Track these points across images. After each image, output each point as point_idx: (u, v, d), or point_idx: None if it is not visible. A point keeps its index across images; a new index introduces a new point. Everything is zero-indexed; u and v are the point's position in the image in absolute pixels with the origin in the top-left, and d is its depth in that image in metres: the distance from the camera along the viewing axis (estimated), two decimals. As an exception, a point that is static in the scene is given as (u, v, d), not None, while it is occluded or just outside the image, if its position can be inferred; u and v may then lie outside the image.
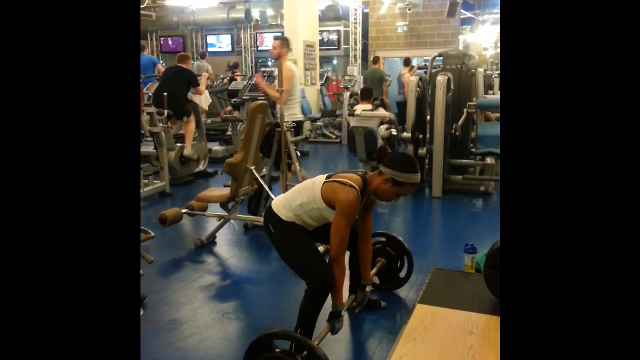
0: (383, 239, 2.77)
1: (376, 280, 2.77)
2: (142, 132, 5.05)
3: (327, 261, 2.04)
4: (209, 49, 13.47)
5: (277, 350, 1.82)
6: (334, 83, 10.96)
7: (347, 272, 2.49)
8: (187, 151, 5.49)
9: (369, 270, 2.36)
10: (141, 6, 12.13)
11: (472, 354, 2.04)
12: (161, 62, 13.70)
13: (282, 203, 2.13)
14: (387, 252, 2.74)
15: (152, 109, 5.05)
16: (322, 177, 2.09)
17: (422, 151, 5.04)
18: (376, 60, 9.01)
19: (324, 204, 2.02)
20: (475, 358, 2.01)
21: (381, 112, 5.31)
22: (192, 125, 5.61)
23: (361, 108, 5.24)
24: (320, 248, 2.27)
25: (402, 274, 2.78)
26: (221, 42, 14.00)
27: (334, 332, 2.09)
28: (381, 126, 5.16)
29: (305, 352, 1.80)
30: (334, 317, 2.06)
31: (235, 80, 8.04)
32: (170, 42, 13.82)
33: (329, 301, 2.07)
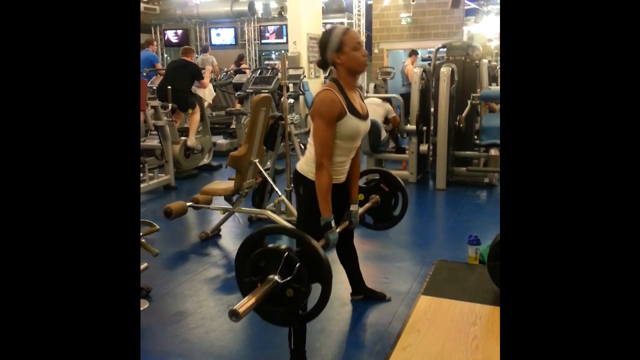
0: (377, 176, 2.68)
1: (370, 220, 2.71)
2: (147, 125, 5.07)
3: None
4: (213, 43, 13.47)
5: (269, 245, 1.70)
6: (338, 75, 10.90)
7: (345, 274, 2.52)
8: (191, 141, 5.48)
9: (356, 189, 2.29)
10: (145, -1, 12.12)
11: (476, 344, 2.05)
12: (166, 55, 13.73)
13: (305, 161, 2.08)
14: (381, 189, 2.64)
15: (157, 103, 5.06)
16: None
17: (424, 147, 5.03)
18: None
19: None
20: (478, 349, 2.02)
21: (387, 106, 5.34)
22: (196, 116, 5.60)
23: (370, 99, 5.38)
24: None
25: (397, 212, 2.70)
26: (225, 35, 13.99)
27: (329, 244, 1.99)
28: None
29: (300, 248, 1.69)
30: (325, 229, 1.98)
31: (244, 72, 8.03)
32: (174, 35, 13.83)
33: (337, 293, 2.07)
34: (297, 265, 1.58)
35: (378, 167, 2.73)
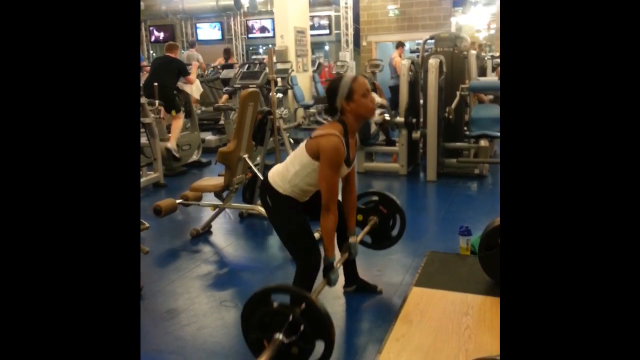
0: (375, 198, 2.74)
1: (368, 239, 2.77)
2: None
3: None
4: (199, 38, 13.38)
5: (274, 304, 1.77)
6: (327, 69, 10.91)
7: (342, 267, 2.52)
8: (171, 145, 5.36)
9: (354, 222, 2.37)
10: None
11: (468, 334, 2.06)
12: (152, 52, 13.62)
13: (279, 175, 2.11)
14: (380, 211, 2.71)
15: (143, 100, 5.01)
16: (305, 140, 2.10)
17: (416, 135, 5.04)
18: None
19: (315, 162, 2.01)
20: (471, 338, 2.03)
21: (375, 97, 5.33)
22: (179, 120, 5.51)
23: None
24: (316, 235, 2.26)
25: (395, 233, 2.76)
26: (211, 31, 13.90)
27: (331, 284, 2.09)
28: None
29: (303, 305, 1.75)
30: (328, 269, 2.06)
31: (232, 66, 7.98)
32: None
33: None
34: (302, 327, 1.67)
35: (376, 190, 2.83)
